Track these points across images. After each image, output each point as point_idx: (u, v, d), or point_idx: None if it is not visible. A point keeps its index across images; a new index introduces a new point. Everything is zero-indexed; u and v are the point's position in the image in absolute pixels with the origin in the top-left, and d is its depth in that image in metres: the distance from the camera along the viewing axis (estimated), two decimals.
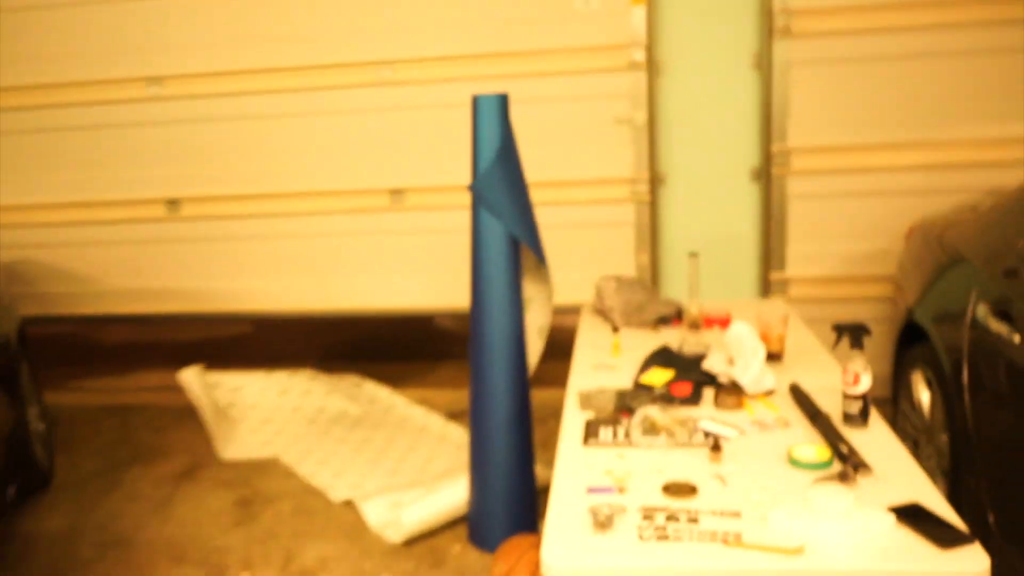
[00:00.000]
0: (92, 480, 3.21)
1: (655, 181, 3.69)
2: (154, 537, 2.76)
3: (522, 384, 2.56)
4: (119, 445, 3.55)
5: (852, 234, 3.50)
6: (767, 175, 3.57)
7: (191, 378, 3.64)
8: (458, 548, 2.59)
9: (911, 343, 2.52)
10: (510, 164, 2.47)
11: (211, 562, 2.60)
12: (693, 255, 2.33)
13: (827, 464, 1.58)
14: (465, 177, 2.56)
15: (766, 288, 3.65)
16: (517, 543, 2.25)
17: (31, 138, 4.05)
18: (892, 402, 2.72)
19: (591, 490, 1.56)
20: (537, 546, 1.49)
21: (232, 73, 3.86)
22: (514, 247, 2.49)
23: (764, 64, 3.50)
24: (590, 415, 1.91)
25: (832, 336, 1.87)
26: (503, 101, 2.44)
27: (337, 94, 3.81)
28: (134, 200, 4.05)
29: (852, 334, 1.74)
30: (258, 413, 3.72)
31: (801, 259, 3.57)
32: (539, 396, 2.79)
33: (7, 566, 2.65)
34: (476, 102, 2.44)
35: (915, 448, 2.50)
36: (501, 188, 2.44)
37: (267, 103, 3.87)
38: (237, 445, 3.44)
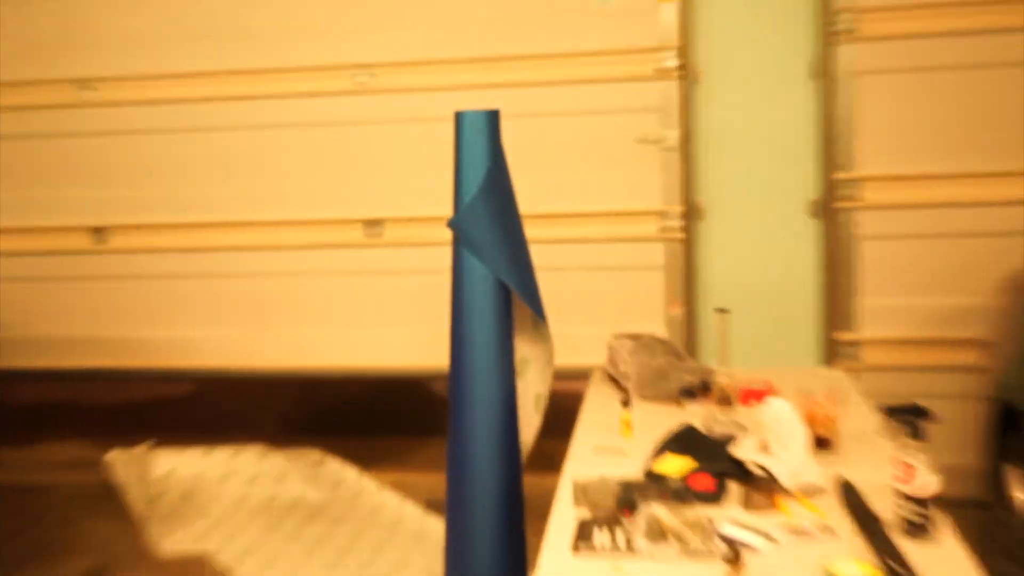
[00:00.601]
0: None
1: (690, 215, 3.72)
2: None
3: (513, 469, 2.55)
4: (13, 537, 3.57)
5: (939, 285, 3.50)
6: (829, 209, 3.59)
7: (120, 460, 3.69)
8: None
9: (1008, 428, 2.49)
10: (500, 195, 2.51)
11: None
12: (722, 311, 2.35)
13: None
14: None
15: (831, 352, 3.64)
16: None
17: None
18: (988, 505, 2.68)
19: None
20: None
21: (178, 76, 3.98)
22: (504, 296, 2.51)
23: (824, 73, 3.54)
24: (584, 513, 1.90)
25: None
26: (493, 118, 2.49)
27: (304, 103, 3.91)
28: (52, 227, 4.14)
29: (907, 419, 1.73)
30: (192, 504, 3.73)
31: (874, 316, 3.56)
32: (540, 484, 2.77)
33: None
34: (459, 119, 2.48)
35: (1016, 568, 2.44)
36: (488, 225, 2.47)
37: (218, 113, 3.97)
38: (166, 541, 3.45)
